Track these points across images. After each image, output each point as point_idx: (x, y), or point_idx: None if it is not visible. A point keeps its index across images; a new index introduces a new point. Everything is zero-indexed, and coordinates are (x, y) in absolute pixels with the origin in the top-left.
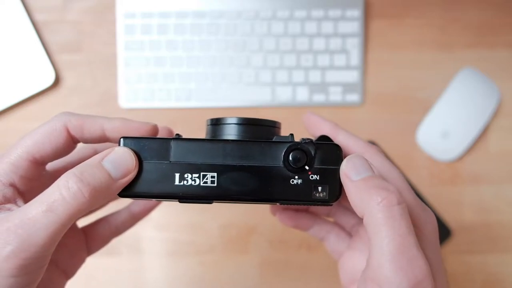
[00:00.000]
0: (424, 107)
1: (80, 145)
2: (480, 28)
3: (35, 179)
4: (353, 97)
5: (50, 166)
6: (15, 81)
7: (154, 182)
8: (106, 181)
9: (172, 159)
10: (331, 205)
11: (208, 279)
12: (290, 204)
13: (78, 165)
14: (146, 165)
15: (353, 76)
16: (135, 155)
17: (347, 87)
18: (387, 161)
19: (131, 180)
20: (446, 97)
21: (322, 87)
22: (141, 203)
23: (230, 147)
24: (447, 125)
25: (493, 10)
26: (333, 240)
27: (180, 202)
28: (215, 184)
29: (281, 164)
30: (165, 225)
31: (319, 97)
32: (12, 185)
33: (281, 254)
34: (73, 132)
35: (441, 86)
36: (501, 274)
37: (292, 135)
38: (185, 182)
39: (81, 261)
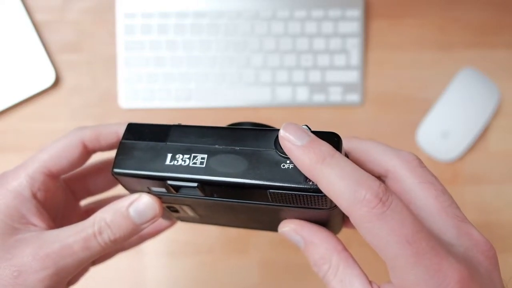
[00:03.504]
0: (424, 107)
1: None
2: (480, 28)
3: (49, 190)
4: (353, 97)
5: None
6: (15, 81)
7: (147, 162)
8: (131, 229)
9: (168, 141)
10: (324, 196)
11: (208, 279)
12: (281, 193)
13: (110, 209)
14: (144, 145)
15: (353, 76)
16: (159, 200)
17: (347, 87)
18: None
19: (153, 222)
20: (446, 97)
21: (322, 87)
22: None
23: (224, 132)
24: (447, 125)
25: (493, 10)
26: None
27: (170, 202)
28: (204, 165)
29: (272, 148)
30: None
31: (319, 97)
32: (34, 198)
33: (281, 254)
34: (89, 145)
35: (441, 86)
36: (501, 274)
37: None
38: (175, 162)
39: (85, 271)
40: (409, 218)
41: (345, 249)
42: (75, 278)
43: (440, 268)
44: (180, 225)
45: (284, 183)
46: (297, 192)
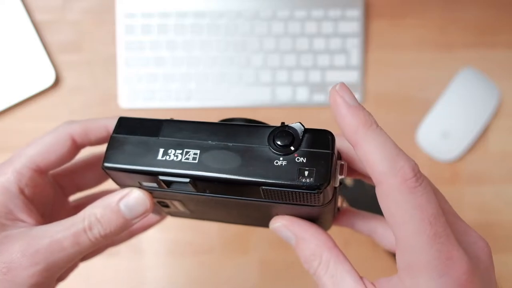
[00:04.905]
0: (424, 107)
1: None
2: (480, 28)
3: (37, 186)
4: None
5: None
6: (15, 81)
7: (139, 156)
8: (121, 223)
9: (160, 136)
10: (320, 192)
11: (208, 279)
12: (274, 190)
13: (100, 204)
14: (135, 139)
15: (353, 76)
16: (150, 195)
17: None
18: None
19: (144, 217)
20: (446, 97)
21: (322, 87)
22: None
23: (217, 128)
24: (447, 125)
25: (493, 10)
26: (381, 233)
27: (161, 198)
28: (196, 161)
29: (266, 144)
30: (165, 225)
31: (319, 97)
32: (21, 194)
33: (280, 254)
34: (79, 139)
35: (441, 86)
36: (501, 274)
37: (283, 123)
38: (167, 157)
39: (75, 267)
40: (434, 200)
41: (335, 245)
42: (64, 274)
43: (450, 256)
44: (180, 225)
45: (277, 180)
46: (290, 189)
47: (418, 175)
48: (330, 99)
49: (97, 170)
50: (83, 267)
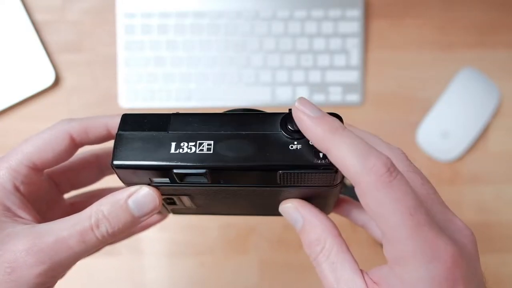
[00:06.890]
0: (424, 107)
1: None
2: (480, 28)
3: (33, 183)
4: (353, 97)
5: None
6: (15, 81)
7: (150, 152)
8: (130, 221)
9: (170, 130)
10: (336, 171)
11: (208, 279)
12: (292, 173)
13: (107, 201)
14: (144, 135)
15: (353, 76)
16: (159, 192)
17: (347, 87)
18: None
19: (152, 215)
20: (446, 97)
21: (322, 87)
22: None
23: (227, 118)
24: (447, 125)
25: (493, 10)
26: (374, 225)
27: (171, 192)
28: (211, 152)
29: (279, 130)
30: (165, 225)
31: (319, 97)
32: (17, 191)
33: (280, 254)
34: (77, 138)
35: (441, 86)
36: (501, 274)
37: (290, 109)
38: (180, 150)
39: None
40: (411, 192)
41: (340, 234)
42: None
43: (436, 242)
44: (180, 225)
45: (296, 163)
46: (309, 171)
47: (392, 169)
48: (293, 117)
49: (93, 169)
50: (83, 266)
